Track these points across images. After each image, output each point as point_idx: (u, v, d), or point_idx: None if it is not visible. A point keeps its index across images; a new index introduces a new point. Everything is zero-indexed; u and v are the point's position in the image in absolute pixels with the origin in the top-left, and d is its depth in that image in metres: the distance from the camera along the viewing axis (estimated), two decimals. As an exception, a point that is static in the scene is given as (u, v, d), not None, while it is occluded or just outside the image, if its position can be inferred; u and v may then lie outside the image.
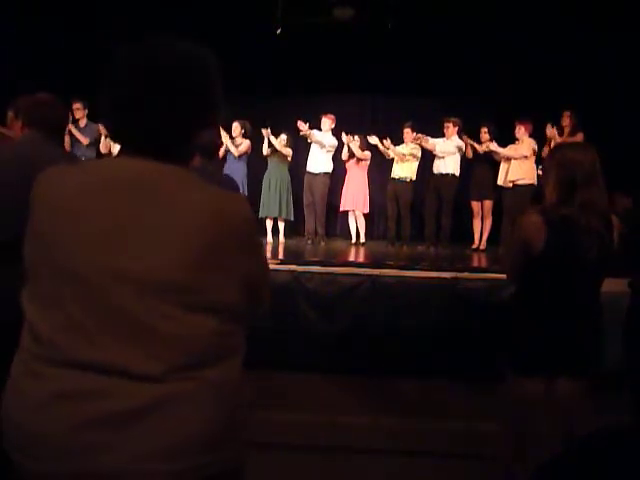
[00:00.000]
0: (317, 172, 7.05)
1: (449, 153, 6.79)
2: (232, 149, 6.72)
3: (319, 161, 7.06)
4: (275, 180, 7.04)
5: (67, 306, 1.01)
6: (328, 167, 7.10)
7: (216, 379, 1.05)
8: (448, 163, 6.80)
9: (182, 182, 1.06)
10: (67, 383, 0.99)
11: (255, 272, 1.16)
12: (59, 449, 0.98)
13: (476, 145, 6.73)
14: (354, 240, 7.38)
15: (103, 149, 6.65)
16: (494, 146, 6.57)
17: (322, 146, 7.00)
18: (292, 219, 7.29)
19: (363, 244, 7.25)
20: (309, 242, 7.12)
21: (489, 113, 7.21)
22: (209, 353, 1.05)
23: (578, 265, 2.15)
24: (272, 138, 6.92)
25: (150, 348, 1.00)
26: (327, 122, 7.05)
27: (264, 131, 6.90)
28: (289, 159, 7.13)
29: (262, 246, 1.22)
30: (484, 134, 6.74)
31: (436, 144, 6.85)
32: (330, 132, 7.08)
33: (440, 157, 6.85)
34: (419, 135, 6.87)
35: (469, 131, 6.90)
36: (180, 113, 1.07)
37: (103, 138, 6.55)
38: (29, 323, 1.06)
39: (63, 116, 2.51)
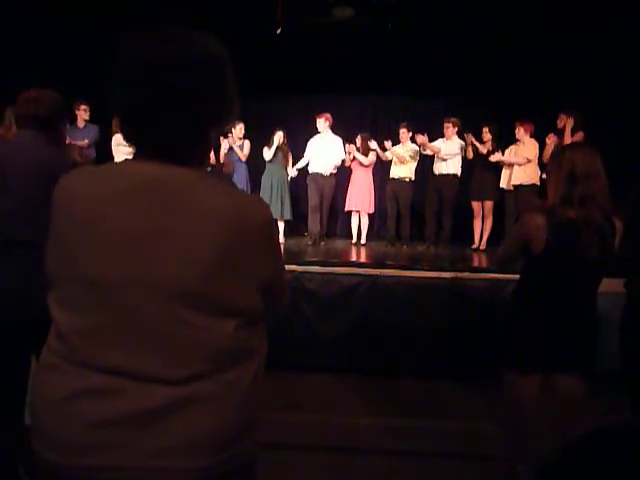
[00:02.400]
0: (327, 173, 6.92)
1: (454, 154, 6.77)
2: (239, 153, 6.77)
3: (330, 162, 6.91)
4: (276, 181, 6.96)
5: (86, 311, 1.02)
6: (335, 168, 7.03)
7: (233, 380, 1.06)
8: (449, 163, 6.80)
9: (198, 185, 1.04)
10: (87, 381, 1.01)
11: (274, 273, 1.16)
12: (76, 444, 0.99)
13: (479, 145, 6.71)
14: (355, 240, 7.39)
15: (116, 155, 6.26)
16: (497, 157, 6.51)
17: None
18: (291, 219, 7.24)
19: (363, 244, 7.25)
20: (310, 243, 6.97)
21: (489, 113, 7.21)
22: (226, 356, 1.05)
23: (577, 266, 2.17)
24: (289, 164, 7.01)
25: (168, 353, 1.01)
26: (322, 122, 6.91)
27: (278, 137, 6.83)
28: (290, 160, 7.07)
29: (280, 247, 1.21)
30: (485, 134, 6.74)
31: (440, 147, 6.79)
32: (330, 130, 6.96)
33: (440, 158, 6.84)
34: (423, 141, 6.82)
35: (470, 131, 6.90)
36: (193, 113, 1.04)
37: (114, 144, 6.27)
38: (54, 321, 1.07)
39: (53, 109, 2.36)
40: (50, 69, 6.16)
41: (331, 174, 6.97)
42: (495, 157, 6.53)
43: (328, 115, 6.99)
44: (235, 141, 6.83)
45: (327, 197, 7.01)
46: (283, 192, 6.98)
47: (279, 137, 6.87)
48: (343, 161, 7.11)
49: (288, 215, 7.08)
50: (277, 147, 6.88)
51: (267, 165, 7.04)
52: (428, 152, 6.96)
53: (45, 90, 2.39)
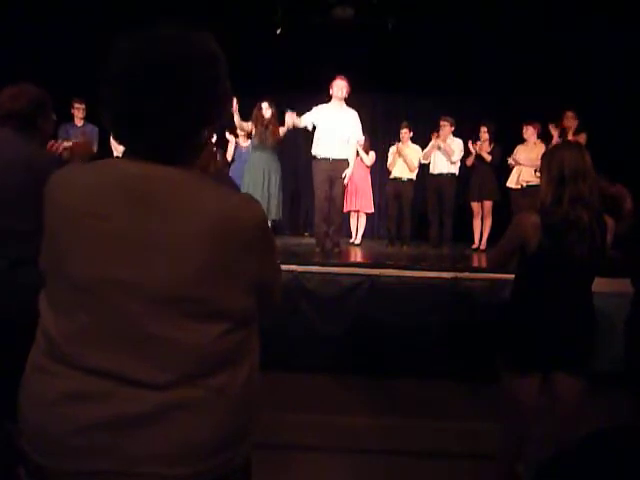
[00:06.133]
0: (341, 157, 5.46)
1: (458, 153, 6.73)
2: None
3: (345, 142, 5.48)
4: (267, 170, 5.86)
5: (74, 312, 1.01)
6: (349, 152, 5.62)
7: (222, 386, 1.03)
8: (447, 162, 6.77)
9: (189, 187, 1.03)
10: (75, 384, 0.99)
11: (267, 276, 1.13)
12: (63, 447, 0.98)
13: (483, 154, 6.66)
14: (353, 239, 7.39)
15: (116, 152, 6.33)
16: (516, 160, 6.45)
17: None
18: (280, 218, 6.27)
19: (358, 244, 7.24)
20: (318, 250, 5.64)
21: (488, 113, 7.21)
22: (216, 360, 1.03)
23: (568, 265, 2.18)
24: (296, 119, 5.46)
25: (156, 357, 0.99)
26: (342, 87, 5.40)
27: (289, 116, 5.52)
28: (281, 134, 5.86)
29: (274, 248, 1.18)
30: (483, 133, 6.74)
31: (453, 149, 6.66)
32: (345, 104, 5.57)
33: (439, 157, 6.82)
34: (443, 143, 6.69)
35: (469, 131, 6.89)
36: (185, 112, 1.03)
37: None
38: (41, 321, 1.06)
39: (32, 105, 2.27)
40: (48, 68, 6.16)
41: (344, 159, 5.47)
42: (513, 162, 6.46)
43: (348, 80, 5.43)
44: (244, 140, 6.76)
45: (340, 188, 5.52)
46: (273, 185, 5.91)
47: (265, 109, 5.72)
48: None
49: (275, 213, 6.06)
50: (262, 125, 5.84)
51: (252, 150, 6.02)
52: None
53: (24, 85, 2.31)
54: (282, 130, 5.82)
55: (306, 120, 5.50)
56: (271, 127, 5.82)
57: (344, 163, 5.43)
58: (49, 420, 1.00)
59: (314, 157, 5.48)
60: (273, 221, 6.04)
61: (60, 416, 0.99)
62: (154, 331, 0.99)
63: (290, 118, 5.52)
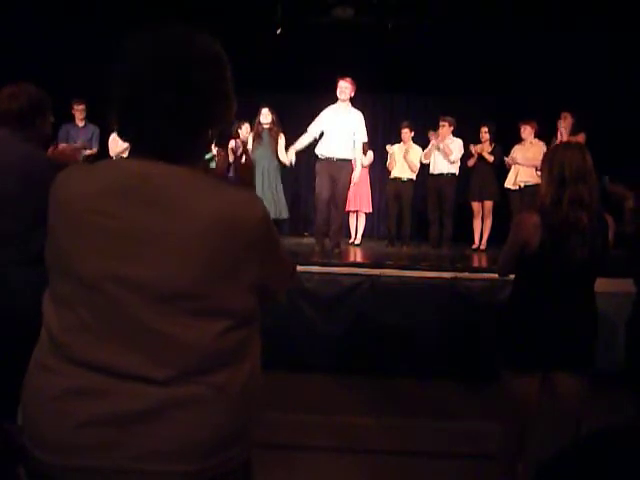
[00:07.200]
0: (344, 157, 5.38)
1: (457, 154, 6.73)
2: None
3: (349, 142, 5.38)
4: (265, 170, 5.86)
5: (77, 308, 1.01)
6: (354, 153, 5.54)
7: (223, 383, 1.03)
8: (447, 163, 6.77)
9: (191, 185, 1.03)
10: (77, 380, 1.00)
11: (270, 274, 1.13)
12: (65, 444, 0.99)
13: (485, 154, 6.66)
14: (352, 239, 7.38)
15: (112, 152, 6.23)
16: (514, 159, 6.42)
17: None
18: (287, 217, 6.28)
19: (358, 245, 7.24)
20: (317, 249, 5.54)
21: (489, 113, 7.22)
22: (217, 358, 1.03)
23: (569, 266, 2.18)
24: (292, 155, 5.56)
25: (157, 353, 0.99)
26: (346, 88, 5.39)
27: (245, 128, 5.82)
28: (282, 141, 5.93)
29: (279, 246, 1.18)
30: (484, 134, 6.74)
31: (453, 149, 6.62)
32: (351, 104, 5.56)
33: (439, 157, 6.81)
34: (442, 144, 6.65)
35: (469, 131, 6.89)
36: (191, 112, 1.04)
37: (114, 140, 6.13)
38: (44, 318, 1.07)
39: (29, 104, 2.24)
40: (48, 68, 6.17)
41: (348, 160, 5.37)
42: (511, 160, 6.45)
43: (352, 81, 5.41)
44: (246, 142, 6.75)
45: (342, 189, 5.38)
46: (275, 184, 5.91)
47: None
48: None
49: (285, 213, 6.09)
50: (265, 128, 5.97)
51: (253, 151, 6.07)
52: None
53: (23, 85, 2.28)
54: (281, 141, 5.95)
55: (313, 131, 5.47)
56: (272, 132, 5.97)
57: (347, 164, 5.38)
58: (51, 417, 1.00)
59: (317, 157, 5.45)
60: (280, 220, 6.06)
61: (62, 413, 0.99)
62: (155, 327, 0.99)
63: (291, 153, 5.56)
